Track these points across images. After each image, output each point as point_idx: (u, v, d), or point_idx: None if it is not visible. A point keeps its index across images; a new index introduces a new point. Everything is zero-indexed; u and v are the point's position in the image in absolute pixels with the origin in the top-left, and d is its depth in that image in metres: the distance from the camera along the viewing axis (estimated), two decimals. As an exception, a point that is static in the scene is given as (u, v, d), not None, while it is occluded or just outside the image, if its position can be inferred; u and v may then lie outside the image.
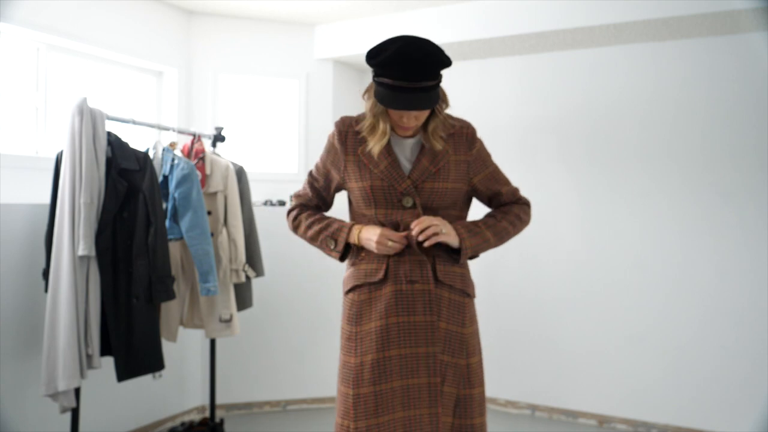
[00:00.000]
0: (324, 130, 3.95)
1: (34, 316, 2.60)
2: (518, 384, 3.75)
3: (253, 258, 3.26)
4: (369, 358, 1.61)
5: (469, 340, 1.67)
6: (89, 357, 2.36)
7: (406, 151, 1.68)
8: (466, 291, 1.70)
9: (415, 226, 1.59)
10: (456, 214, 1.73)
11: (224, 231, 3.04)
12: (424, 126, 1.66)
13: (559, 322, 3.67)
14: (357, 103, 1.88)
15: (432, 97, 1.54)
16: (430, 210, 1.66)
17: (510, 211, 1.80)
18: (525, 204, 1.87)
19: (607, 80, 3.58)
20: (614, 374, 3.51)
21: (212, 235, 2.97)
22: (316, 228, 1.73)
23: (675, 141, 3.42)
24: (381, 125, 1.61)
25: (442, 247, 1.67)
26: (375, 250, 1.62)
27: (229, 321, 3.00)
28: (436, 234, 1.59)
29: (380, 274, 1.64)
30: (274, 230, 3.61)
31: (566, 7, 3.30)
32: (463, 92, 3.97)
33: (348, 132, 1.69)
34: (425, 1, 3.55)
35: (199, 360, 3.62)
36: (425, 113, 1.60)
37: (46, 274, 2.43)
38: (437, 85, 1.56)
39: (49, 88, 3.01)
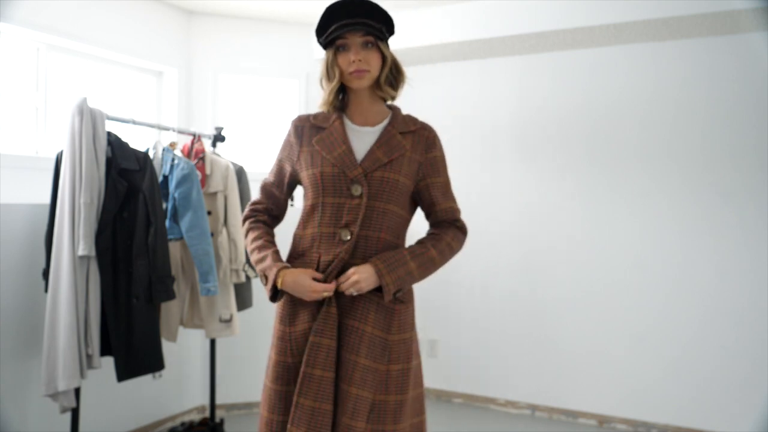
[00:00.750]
0: (324, 130, 3.95)
1: (34, 316, 2.60)
2: (518, 384, 3.75)
3: (253, 258, 3.26)
4: (292, 360, 1.60)
5: (393, 347, 1.59)
6: (89, 357, 2.36)
7: (363, 142, 1.65)
8: (398, 298, 1.62)
9: (342, 282, 1.56)
10: (399, 212, 1.64)
11: (224, 231, 3.04)
12: (377, 83, 1.64)
13: (559, 322, 3.67)
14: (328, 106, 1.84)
15: (377, 34, 1.58)
16: (376, 200, 1.59)
17: (442, 238, 1.68)
18: (460, 230, 1.73)
19: (607, 80, 3.58)
20: (614, 374, 3.51)
21: (212, 235, 2.97)
22: (254, 256, 1.67)
23: (675, 141, 3.42)
24: (331, 71, 1.61)
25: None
26: (307, 299, 1.56)
27: (229, 321, 3.00)
28: (357, 286, 1.54)
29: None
30: (274, 230, 3.61)
31: (566, 7, 3.30)
32: (463, 92, 3.97)
33: (304, 126, 1.69)
34: (425, 0, 3.55)
35: (199, 360, 3.62)
36: (374, 57, 1.59)
37: (46, 274, 2.43)
38: (381, 32, 1.60)
39: (49, 88, 3.01)
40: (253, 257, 1.68)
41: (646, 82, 3.49)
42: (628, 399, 3.47)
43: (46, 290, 2.38)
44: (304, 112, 3.98)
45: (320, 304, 1.59)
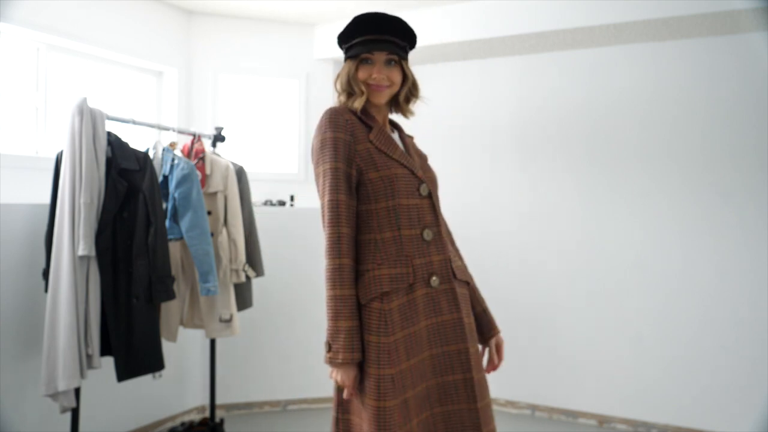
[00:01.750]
0: (324, 130, 3.95)
1: (34, 316, 2.60)
2: (518, 384, 3.75)
3: (253, 258, 3.26)
4: (405, 365, 1.53)
5: (474, 328, 1.70)
6: (89, 357, 2.36)
7: (398, 144, 1.71)
8: (467, 282, 1.73)
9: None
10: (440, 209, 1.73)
11: (224, 231, 3.04)
12: (395, 101, 1.69)
13: (560, 322, 3.67)
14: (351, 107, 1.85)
15: (401, 53, 1.62)
16: (435, 200, 1.67)
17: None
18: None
19: (607, 80, 3.58)
20: (614, 374, 3.51)
21: (212, 235, 2.97)
22: (341, 315, 1.49)
23: (675, 141, 3.42)
24: (356, 87, 1.62)
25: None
26: (340, 383, 1.51)
27: (229, 321, 3.00)
28: None
29: (410, 279, 1.54)
30: (274, 230, 3.61)
31: (566, 7, 3.30)
32: (463, 92, 3.97)
33: (353, 121, 1.59)
34: (425, 0, 3.55)
35: (199, 360, 3.62)
36: (396, 74, 1.63)
37: (46, 274, 2.43)
38: (404, 50, 1.64)
39: (49, 88, 3.01)
40: (335, 315, 1.49)
41: (646, 82, 3.49)
42: (628, 399, 3.47)
43: (46, 290, 2.38)
44: (304, 112, 3.98)
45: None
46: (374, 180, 1.55)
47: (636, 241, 3.49)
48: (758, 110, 3.23)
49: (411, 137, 1.82)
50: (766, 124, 3.22)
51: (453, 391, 1.59)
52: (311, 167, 3.97)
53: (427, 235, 1.59)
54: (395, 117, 1.80)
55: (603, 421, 3.52)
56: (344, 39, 1.64)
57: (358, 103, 1.61)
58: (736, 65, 3.29)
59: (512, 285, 3.80)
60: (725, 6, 2.93)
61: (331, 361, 1.48)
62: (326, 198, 1.52)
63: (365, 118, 1.63)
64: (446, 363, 1.59)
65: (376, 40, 1.58)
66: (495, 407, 3.79)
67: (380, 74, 1.60)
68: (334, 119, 1.57)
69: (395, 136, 1.73)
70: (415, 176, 1.60)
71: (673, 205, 3.41)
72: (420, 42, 3.67)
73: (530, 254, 3.76)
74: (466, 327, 1.61)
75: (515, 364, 3.77)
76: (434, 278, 1.57)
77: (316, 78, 3.99)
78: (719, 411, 3.26)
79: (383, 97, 1.64)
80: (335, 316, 1.47)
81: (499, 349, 1.80)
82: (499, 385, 3.81)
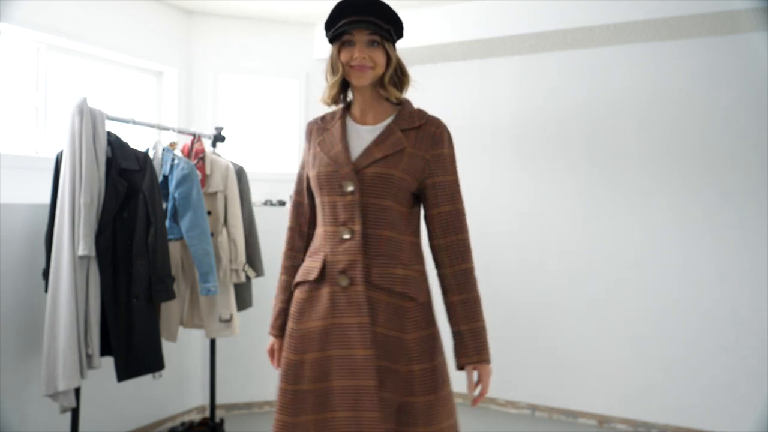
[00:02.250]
0: (324, 130, 3.95)
1: (34, 316, 2.60)
2: (518, 384, 3.75)
3: (253, 258, 3.26)
4: (310, 356, 1.58)
5: (412, 346, 1.56)
6: (89, 357, 2.36)
7: (361, 140, 1.63)
8: (408, 294, 1.57)
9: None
10: (398, 209, 1.59)
11: (224, 231, 3.04)
12: (381, 82, 1.62)
13: (559, 322, 3.67)
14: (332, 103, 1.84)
15: (383, 34, 1.58)
16: (371, 197, 1.56)
17: (462, 272, 1.63)
18: (464, 246, 1.64)
19: (607, 80, 3.58)
20: (614, 374, 3.51)
21: (212, 235, 2.97)
22: (277, 298, 1.78)
23: (675, 141, 3.42)
24: (336, 67, 1.63)
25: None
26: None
27: (229, 321, 3.00)
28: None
29: (317, 273, 1.58)
30: (274, 230, 3.60)
31: (566, 7, 3.30)
32: (463, 92, 3.97)
33: (312, 129, 1.72)
34: (425, 0, 3.55)
35: (199, 360, 3.62)
36: (379, 55, 1.59)
37: (46, 274, 2.43)
38: (388, 33, 1.60)
39: (49, 88, 3.01)
40: (276, 296, 1.79)
41: (646, 82, 3.49)
42: (628, 399, 3.47)
43: (46, 290, 2.38)
44: (304, 112, 3.98)
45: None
46: (311, 178, 1.67)
47: (636, 241, 3.49)
48: (758, 110, 3.23)
49: (416, 127, 1.64)
50: (766, 124, 3.22)
51: (346, 397, 1.52)
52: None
53: (344, 233, 1.56)
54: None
55: (603, 421, 3.52)
56: (328, 26, 1.63)
57: (330, 89, 1.64)
58: (736, 65, 3.28)
59: (512, 285, 3.79)
60: (725, 6, 2.93)
61: None
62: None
63: (328, 122, 1.69)
64: (343, 367, 1.53)
65: (357, 21, 1.56)
66: (495, 407, 3.79)
67: (361, 53, 1.57)
68: (307, 129, 1.75)
69: (377, 126, 1.64)
70: (339, 173, 1.57)
71: (673, 205, 3.41)
72: (420, 42, 3.68)
73: (530, 254, 3.76)
74: (368, 333, 1.52)
75: (515, 364, 3.77)
76: (343, 278, 1.54)
77: (316, 78, 3.98)
78: (719, 411, 3.26)
79: (366, 79, 1.59)
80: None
81: (479, 381, 1.65)
82: (499, 385, 3.81)
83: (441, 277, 1.64)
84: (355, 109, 1.68)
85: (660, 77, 3.46)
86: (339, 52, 1.61)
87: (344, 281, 1.54)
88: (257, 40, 3.89)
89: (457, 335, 1.64)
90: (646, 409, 3.42)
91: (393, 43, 1.64)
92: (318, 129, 1.70)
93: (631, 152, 3.52)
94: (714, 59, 3.34)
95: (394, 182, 1.57)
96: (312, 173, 1.65)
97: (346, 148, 1.61)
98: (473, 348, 1.63)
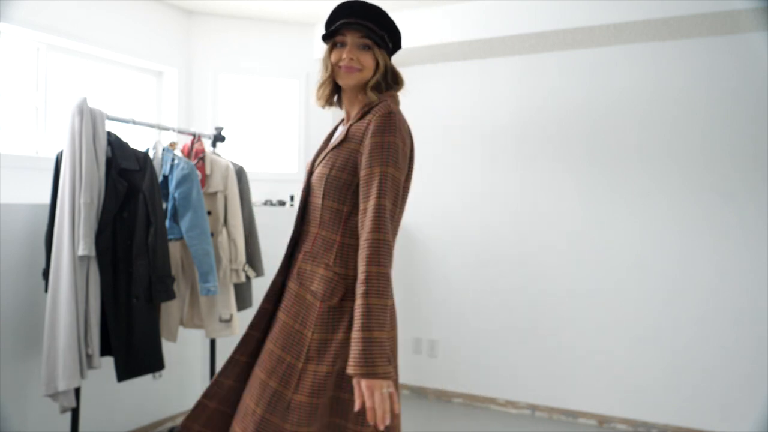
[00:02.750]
0: (324, 131, 3.95)
1: (34, 316, 2.60)
2: (518, 384, 3.75)
3: (253, 258, 3.26)
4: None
5: (311, 345, 1.52)
6: (89, 357, 2.36)
7: (334, 139, 1.67)
8: (318, 294, 1.54)
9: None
10: (336, 207, 1.55)
11: (224, 231, 3.04)
12: (365, 86, 1.61)
13: (560, 322, 3.67)
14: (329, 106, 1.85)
15: (374, 38, 1.58)
16: (310, 196, 1.61)
17: (363, 274, 1.39)
18: (373, 248, 1.39)
19: (607, 80, 3.58)
20: (614, 374, 3.51)
21: (212, 235, 2.97)
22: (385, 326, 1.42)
23: (675, 141, 3.42)
24: (324, 66, 1.65)
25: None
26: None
27: (229, 321, 3.00)
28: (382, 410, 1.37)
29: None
30: (274, 230, 3.61)
31: (566, 7, 3.30)
32: (463, 92, 3.97)
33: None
34: (425, 1, 3.55)
35: (199, 360, 3.62)
36: (368, 59, 1.59)
37: (46, 274, 2.43)
38: (382, 39, 1.60)
39: (49, 88, 3.01)
40: (381, 324, 1.38)
41: (646, 82, 3.49)
42: (628, 399, 3.47)
43: (46, 290, 2.38)
44: (304, 112, 3.98)
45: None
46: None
47: (636, 241, 3.49)
48: (758, 110, 3.23)
49: (361, 118, 1.57)
50: (766, 124, 3.22)
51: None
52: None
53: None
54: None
55: (603, 421, 3.52)
56: (326, 26, 1.66)
57: (320, 89, 1.67)
58: (736, 65, 3.29)
59: (512, 285, 3.80)
60: (725, 6, 2.93)
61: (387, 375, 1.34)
62: (391, 202, 1.46)
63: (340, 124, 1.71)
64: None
65: (351, 23, 1.57)
66: (495, 407, 3.80)
67: (350, 54, 1.57)
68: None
69: (342, 129, 1.65)
70: (306, 175, 1.70)
71: (673, 205, 3.41)
72: (420, 42, 3.68)
73: (530, 254, 3.76)
74: (279, 326, 1.58)
75: (515, 364, 3.77)
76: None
77: (316, 78, 3.97)
78: (719, 411, 3.26)
79: (352, 80, 1.59)
80: (381, 325, 1.36)
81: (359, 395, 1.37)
82: (499, 385, 3.81)
83: None
84: (345, 110, 1.71)
85: (660, 77, 3.46)
86: (330, 51, 1.63)
87: (277, 273, 1.68)
88: (257, 40, 3.89)
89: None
90: (646, 409, 3.43)
91: (387, 50, 1.64)
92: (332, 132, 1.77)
93: (631, 152, 3.52)
94: (714, 59, 3.34)
95: (329, 181, 1.55)
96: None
97: (320, 150, 1.71)
98: (354, 358, 1.35)
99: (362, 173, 1.48)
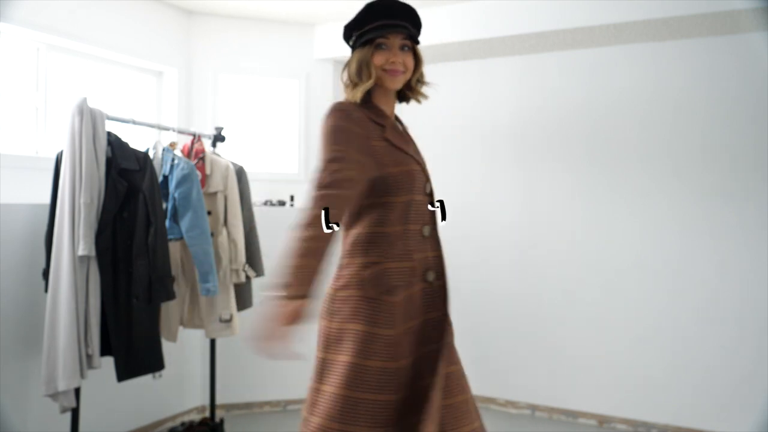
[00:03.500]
0: (324, 130, 3.95)
1: (34, 316, 2.60)
2: (518, 384, 3.75)
3: (253, 258, 3.26)
4: (404, 362, 1.52)
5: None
6: (89, 357, 2.36)
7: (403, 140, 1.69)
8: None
9: None
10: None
11: (224, 231, 3.04)
12: (408, 87, 1.68)
13: (560, 322, 3.67)
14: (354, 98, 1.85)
15: (414, 37, 1.61)
16: (433, 196, 1.66)
17: None
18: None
19: (607, 80, 3.58)
20: (614, 374, 3.51)
21: (212, 235, 2.97)
22: (299, 255, 1.43)
23: (675, 141, 3.42)
24: (367, 73, 1.58)
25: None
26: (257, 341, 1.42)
27: (229, 321, 3.00)
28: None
29: (413, 273, 1.56)
30: (274, 230, 3.60)
31: (566, 7, 3.30)
32: (463, 92, 3.97)
33: (363, 118, 1.56)
34: (425, 0, 3.55)
35: (199, 360, 3.62)
36: (410, 60, 1.62)
37: (46, 274, 2.43)
38: (416, 37, 1.64)
39: (49, 88, 3.01)
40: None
41: (646, 82, 3.49)
42: (628, 399, 3.47)
43: (46, 290, 2.38)
44: (304, 112, 3.97)
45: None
46: (395, 174, 1.55)
47: (636, 241, 3.49)
48: (758, 110, 3.23)
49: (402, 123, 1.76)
50: (766, 125, 3.22)
51: (427, 394, 1.51)
52: (311, 167, 3.98)
53: (426, 231, 1.60)
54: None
55: (603, 421, 3.52)
56: (356, 26, 1.61)
57: (359, 92, 1.57)
58: (736, 65, 3.28)
59: (512, 285, 3.79)
60: (725, 6, 2.93)
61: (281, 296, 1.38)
62: (324, 174, 1.45)
63: (375, 116, 1.58)
64: (426, 365, 1.56)
65: (391, 25, 1.56)
66: (495, 407, 3.80)
67: (397, 58, 1.58)
68: (347, 112, 1.53)
69: (401, 129, 1.72)
70: (425, 173, 1.64)
71: (673, 205, 3.41)
72: (420, 42, 3.67)
73: (530, 254, 3.76)
74: (448, 324, 1.62)
75: (515, 364, 3.77)
76: (430, 273, 1.59)
77: (316, 78, 3.99)
78: (719, 411, 3.26)
79: (399, 83, 1.62)
80: (293, 254, 1.40)
81: None
82: (499, 385, 3.81)
83: None
84: (385, 109, 1.65)
85: (660, 77, 3.46)
86: (372, 54, 1.58)
87: (431, 276, 1.59)
88: (257, 40, 3.89)
89: None
90: (646, 409, 3.42)
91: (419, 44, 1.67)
92: (369, 119, 1.57)
93: (630, 152, 3.52)
94: (714, 59, 3.34)
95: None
96: (398, 169, 1.55)
97: (416, 148, 1.69)
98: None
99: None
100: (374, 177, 1.53)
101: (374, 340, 1.49)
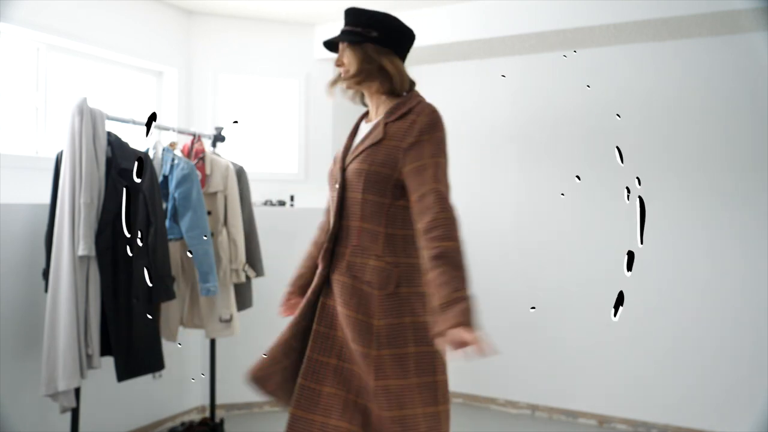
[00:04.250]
0: (324, 131, 3.95)
1: (34, 316, 2.60)
2: (518, 384, 3.75)
3: (253, 258, 3.26)
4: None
5: (381, 332, 1.63)
6: (89, 357, 2.36)
7: (361, 137, 1.77)
8: (373, 284, 1.64)
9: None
10: (378, 201, 1.64)
11: (224, 231, 3.04)
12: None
13: (559, 322, 3.67)
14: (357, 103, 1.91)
15: (349, 38, 1.71)
16: (349, 191, 1.67)
17: (438, 226, 1.55)
18: (440, 204, 1.57)
19: (607, 80, 3.58)
20: (614, 374, 3.51)
21: (212, 235, 2.97)
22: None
23: (674, 141, 3.42)
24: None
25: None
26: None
27: (229, 321, 3.00)
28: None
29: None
30: (274, 230, 3.61)
31: (566, 7, 3.30)
32: (463, 92, 3.97)
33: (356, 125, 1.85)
34: (425, 1, 3.55)
35: (199, 360, 3.62)
36: (352, 57, 1.72)
37: (46, 274, 2.43)
38: (359, 34, 1.70)
39: (49, 88, 3.01)
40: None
41: (646, 82, 3.49)
42: (628, 399, 3.47)
43: (46, 290, 2.38)
44: (304, 112, 3.98)
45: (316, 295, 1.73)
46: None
47: (635, 241, 3.48)
48: (757, 110, 3.23)
49: (396, 117, 1.68)
50: (765, 125, 3.22)
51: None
52: (311, 167, 3.98)
53: (331, 225, 1.75)
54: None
55: (603, 421, 3.52)
56: (407, 40, 1.84)
57: (328, 95, 1.86)
58: (736, 65, 3.28)
59: (511, 285, 3.79)
60: (725, 6, 2.93)
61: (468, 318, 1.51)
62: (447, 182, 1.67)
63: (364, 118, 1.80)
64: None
65: (331, 39, 1.79)
66: (495, 407, 3.80)
67: (341, 55, 1.76)
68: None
69: (371, 124, 1.74)
70: (333, 171, 1.80)
71: (672, 205, 3.41)
72: (420, 42, 3.65)
73: (529, 254, 3.76)
74: (333, 314, 1.75)
75: (515, 364, 3.77)
76: (322, 263, 1.74)
77: (316, 78, 3.99)
78: (719, 411, 3.26)
79: (349, 83, 1.77)
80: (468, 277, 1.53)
81: None
82: (499, 385, 3.81)
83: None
84: (371, 108, 1.81)
85: (660, 77, 3.46)
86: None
87: (321, 266, 1.71)
88: (257, 40, 3.89)
89: None
90: (646, 409, 3.42)
91: (374, 41, 1.71)
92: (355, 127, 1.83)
93: (630, 152, 3.52)
94: (714, 59, 3.34)
95: (369, 176, 1.64)
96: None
97: (348, 147, 1.77)
98: (456, 315, 1.58)
99: (413, 165, 1.60)
100: (398, 179, 1.64)
101: (425, 328, 1.61)
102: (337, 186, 1.70)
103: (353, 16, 1.72)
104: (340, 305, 1.65)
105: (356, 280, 1.63)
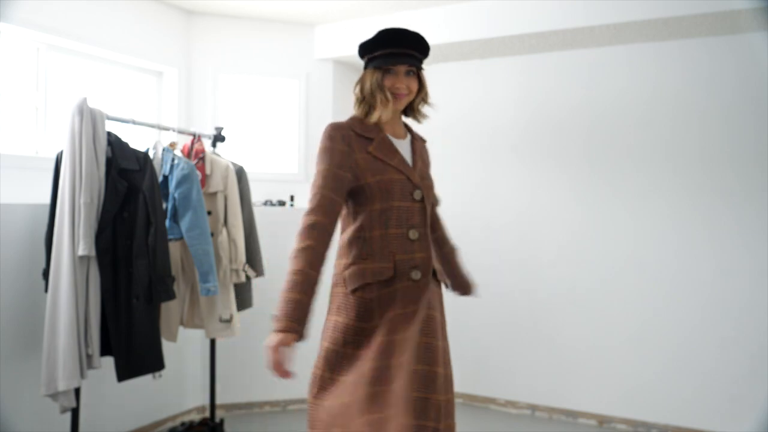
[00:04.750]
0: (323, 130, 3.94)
1: (34, 316, 2.60)
2: (518, 384, 3.75)
3: (253, 258, 3.26)
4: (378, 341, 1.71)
5: (442, 326, 1.84)
6: (89, 357, 2.36)
7: (404, 152, 1.84)
8: (440, 282, 1.89)
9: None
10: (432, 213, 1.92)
11: (224, 231, 3.04)
12: (411, 106, 1.88)
13: (559, 322, 3.67)
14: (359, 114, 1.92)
15: (417, 65, 1.81)
16: (427, 203, 1.82)
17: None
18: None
19: (607, 80, 3.58)
20: (614, 374, 3.51)
21: (212, 235, 2.97)
22: (286, 288, 1.67)
23: (674, 141, 3.42)
24: (380, 95, 1.78)
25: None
26: (267, 366, 1.67)
27: (229, 321, 3.00)
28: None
29: (391, 272, 1.73)
30: (274, 230, 3.61)
31: (566, 7, 3.30)
32: (463, 92, 3.97)
33: (350, 135, 1.78)
34: (425, 1, 3.55)
35: (199, 360, 3.62)
36: (414, 83, 1.81)
37: (46, 274, 2.43)
38: (421, 62, 1.83)
39: (49, 88, 3.01)
40: (285, 288, 1.67)
41: (646, 82, 3.49)
42: (628, 399, 3.47)
43: (46, 290, 2.38)
44: (304, 112, 3.97)
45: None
46: (372, 184, 1.74)
47: (635, 241, 3.49)
48: (758, 110, 3.23)
49: (423, 141, 1.99)
50: (765, 125, 3.22)
51: (417, 379, 1.68)
52: (311, 167, 3.98)
53: (413, 234, 1.76)
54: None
55: (603, 421, 3.52)
56: (368, 49, 1.81)
57: (385, 114, 1.78)
58: (736, 65, 3.28)
59: (511, 285, 3.79)
60: (725, 6, 2.93)
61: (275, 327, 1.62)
62: (312, 192, 1.74)
63: (365, 132, 1.79)
64: (417, 353, 1.70)
65: (399, 54, 1.76)
66: (495, 407, 3.80)
67: (401, 84, 1.78)
68: (332, 134, 1.77)
69: (405, 141, 1.87)
70: (410, 181, 1.78)
71: (672, 205, 3.41)
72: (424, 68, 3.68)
73: (529, 254, 3.76)
74: (438, 323, 1.77)
75: (515, 364, 3.77)
76: (415, 272, 1.74)
77: (316, 78, 3.99)
78: (719, 411, 3.26)
79: (401, 104, 1.82)
80: (288, 288, 1.65)
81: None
82: (499, 385, 3.81)
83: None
84: (386, 124, 1.84)
85: (660, 77, 3.46)
86: (382, 77, 1.78)
87: (416, 275, 1.73)
88: (257, 40, 3.89)
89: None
90: (646, 409, 3.42)
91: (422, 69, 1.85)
92: (357, 136, 1.78)
93: (630, 152, 3.52)
94: (714, 59, 3.34)
95: (433, 191, 1.89)
96: (376, 179, 1.75)
97: (404, 159, 1.82)
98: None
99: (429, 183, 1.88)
100: (354, 186, 1.75)
101: (343, 329, 1.74)
102: (420, 197, 1.78)
103: (424, 46, 1.81)
104: (438, 312, 1.79)
105: (441, 285, 1.87)
